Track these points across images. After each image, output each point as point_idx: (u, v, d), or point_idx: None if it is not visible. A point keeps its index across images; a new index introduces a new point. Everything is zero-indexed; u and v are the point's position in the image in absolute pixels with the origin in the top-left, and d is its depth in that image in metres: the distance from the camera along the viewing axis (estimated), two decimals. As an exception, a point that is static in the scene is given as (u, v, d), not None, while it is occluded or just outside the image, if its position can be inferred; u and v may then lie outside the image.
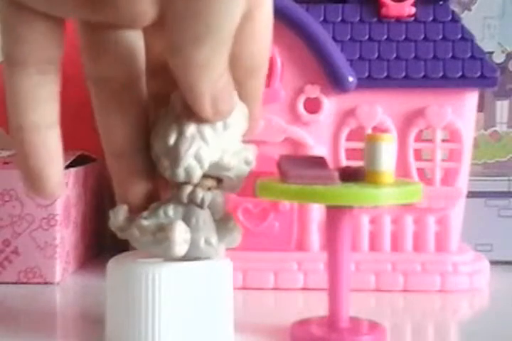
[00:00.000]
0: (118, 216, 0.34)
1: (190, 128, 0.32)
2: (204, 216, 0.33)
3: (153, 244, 0.32)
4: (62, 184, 0.32)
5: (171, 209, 0.33)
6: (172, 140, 0.32)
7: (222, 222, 0.34)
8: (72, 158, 0.49)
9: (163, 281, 0.32)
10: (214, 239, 0.33)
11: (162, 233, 0.32)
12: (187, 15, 0.28)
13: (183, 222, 0.33)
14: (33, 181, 0.32)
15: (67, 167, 0.48)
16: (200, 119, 0.32)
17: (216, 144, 0.32)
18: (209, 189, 0.33)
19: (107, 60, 0.33)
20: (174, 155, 0.32)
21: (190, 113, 0.32)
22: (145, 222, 0.33)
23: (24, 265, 0.47)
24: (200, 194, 0.33)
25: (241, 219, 0.46)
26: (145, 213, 0.33)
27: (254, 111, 0.35)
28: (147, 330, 0.32)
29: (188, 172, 0.32)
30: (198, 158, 0.32)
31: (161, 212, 0.33)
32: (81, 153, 0.51)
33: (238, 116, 0.33)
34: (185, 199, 0.33)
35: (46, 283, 0.47)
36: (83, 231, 0.53)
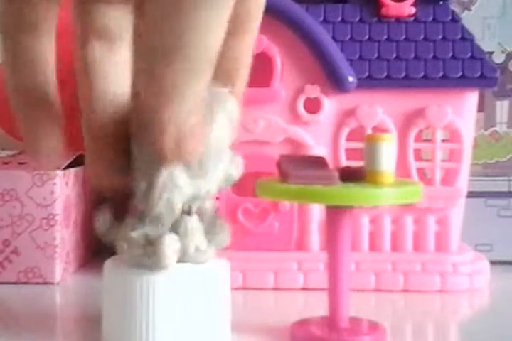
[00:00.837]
0: (103, 222, 0.33)
1: (162, 176, 0.31)
2: (192, 221, 0.33)
3: (142, 257, 0.32)
4: (59, 147, 0.32)
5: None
6: (143, 186, 0.31)
7: (211, 223, 0.33)
8: (72, 158, 0.49)
9: (159, 283, 0.32)
10: (204, 245, 0.33)
11: (151, 247, 0.31)
12: (162, 23, 0.25)
13: (172, 229, 0.32)
14: (30, 142, 0.31)
15: (67, 167, 0.48)
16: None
17: (191, 184, 0.31)
18: None
19: (92, 30, 0.32)
20: (147, 201, 0.31)
21: None
22: (133, 234, 0.32)
23: (24, 265, 0.47)
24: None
25: (241, 219, 0.46)
26: (131, 222, 0.32)
27: (241, 81, 0.32)
28: (142, 332, 0.32)
29: (160, 217, 0.31)
30: (169, 205, 0.31)
31: (147, 221, 0.32)
32: (81, 153, 0.51)
33: (223, 127, 0.31)
34: None
35: (46, 283, 0.47)
36: (83, 231, 0.53)
